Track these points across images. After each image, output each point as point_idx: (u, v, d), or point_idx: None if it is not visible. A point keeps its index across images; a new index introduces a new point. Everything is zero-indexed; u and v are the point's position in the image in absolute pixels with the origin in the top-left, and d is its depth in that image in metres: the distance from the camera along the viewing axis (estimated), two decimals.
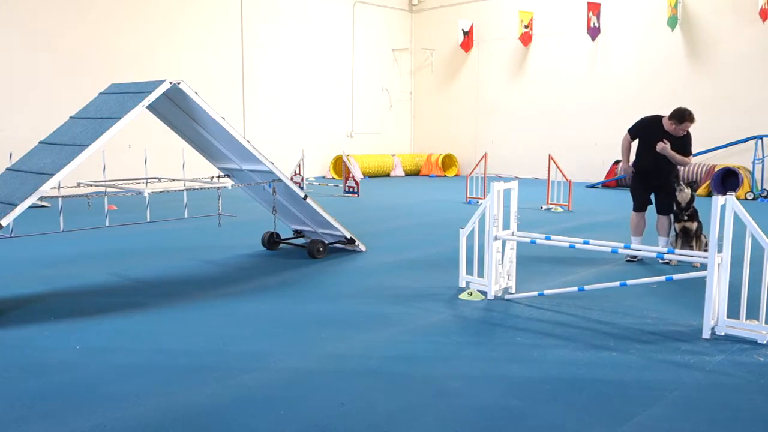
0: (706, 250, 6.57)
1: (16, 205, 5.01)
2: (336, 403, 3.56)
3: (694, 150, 7.27)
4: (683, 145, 7.03)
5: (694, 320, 5.01)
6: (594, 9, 16.65)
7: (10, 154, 8.74)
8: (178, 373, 3.98)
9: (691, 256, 5.70)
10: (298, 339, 4.64)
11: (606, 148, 16.47)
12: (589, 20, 16.66)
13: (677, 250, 6.14)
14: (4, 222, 4.91)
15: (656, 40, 16.06)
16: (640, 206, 7.39)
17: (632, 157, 7.41)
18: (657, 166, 7.12)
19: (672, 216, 7.18)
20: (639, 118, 7.33)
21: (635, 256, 7.19)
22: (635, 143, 7.36)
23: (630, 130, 7.29)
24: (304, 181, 13.91)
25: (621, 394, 3.71)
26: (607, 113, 16.84)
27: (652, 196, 7.40)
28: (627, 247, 5.69)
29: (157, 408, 3.49)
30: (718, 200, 4.54)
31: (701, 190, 13.75)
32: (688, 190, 6.97)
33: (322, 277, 6.51)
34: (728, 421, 3.41)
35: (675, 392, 3.74)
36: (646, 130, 7.15)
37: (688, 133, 7.05)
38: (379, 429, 3.28)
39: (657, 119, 7.13)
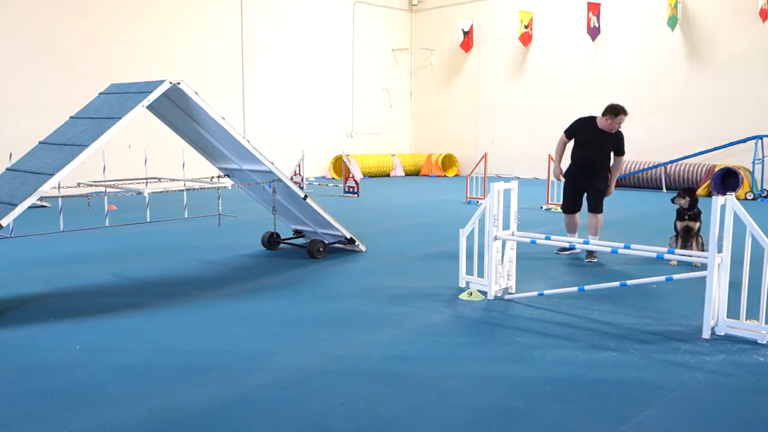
0: (704, 250, 6.59)
1: (16, 205, 5.01)
2: (336, 403, 3.56)
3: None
4: (617, 145, 7.35)
5: (694, 320, 5.01)
6: (594, 9, 16.65)
7: (10, 154, 8.77)
8: (178, 373, 3.98)
9: (690, 256, 5.69)
10: (298, 339, 4.64)
11: None
12: (589, 20, 16.66)
13: (677, 250, 6.14)
14: (4, 222, 4.91)
15: (656, 40, 16.05)
16: (571, 209, 7.60)
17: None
18: (591, 163, 7.38)
19: (676, 215, 7.24)
20: (574, 120, 7.60)
21: (566, 248, 7.45)
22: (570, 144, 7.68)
23: (566, 131, 7.63)
24: (304, 181, 13.90)
25: (621, 394, 3.71)
26: None
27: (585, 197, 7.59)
28: (627, 247, 5.68)
29: (157, 408, 3.49)
30: (718, 200, 4.55)
31: (701, 190, 13.75)
32: (687, 199, 7.16)
33: (322, 277, 6.51)
34: (728, 421, 3.41)
35: (675, 392, 3.74)
36: (581, 129, 7.46)
37: (621, 133, 7.35)
38: (380, 429, 3.28)
39: (591, 119, 7.46)
